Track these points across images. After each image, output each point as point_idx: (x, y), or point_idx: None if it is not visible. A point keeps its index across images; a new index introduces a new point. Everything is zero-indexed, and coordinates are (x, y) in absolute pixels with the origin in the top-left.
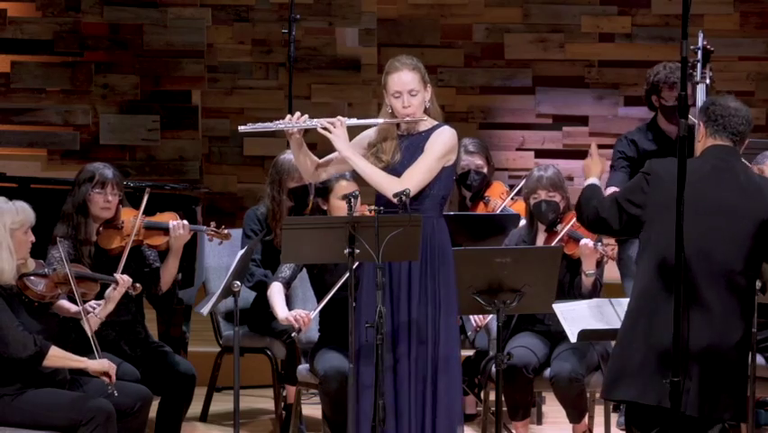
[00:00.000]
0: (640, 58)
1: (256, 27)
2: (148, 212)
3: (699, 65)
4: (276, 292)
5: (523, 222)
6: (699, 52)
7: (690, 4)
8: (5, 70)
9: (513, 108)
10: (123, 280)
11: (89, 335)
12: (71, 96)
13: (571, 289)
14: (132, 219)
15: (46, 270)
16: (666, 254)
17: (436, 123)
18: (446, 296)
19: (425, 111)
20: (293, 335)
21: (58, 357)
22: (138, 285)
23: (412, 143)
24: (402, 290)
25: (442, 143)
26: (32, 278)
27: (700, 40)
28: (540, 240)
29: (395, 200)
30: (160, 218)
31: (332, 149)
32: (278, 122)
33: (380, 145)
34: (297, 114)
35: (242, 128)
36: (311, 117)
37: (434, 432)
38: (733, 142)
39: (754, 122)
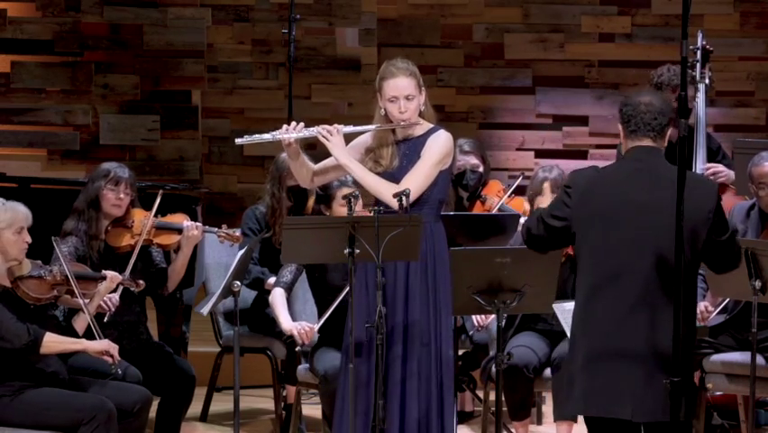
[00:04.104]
0: (640, 58)
1: (256, 27)
2: (157, 214)
3: (698, 65)
4: (278, 299)
5: (522, 220)
6: (699, 52)
7: (690, 4)
8: (5, 70)
9: (513, 108)
10: (111, 276)
11: (89, 321)
12: (71, 96)
13: (572, 289)
14: (144, 219)
15: (42, 272)
16: (604, 266)
17: (431, 126)
18: (445, 299)
19: (420, 114)
20: (297, 349)
21: (54, 342)
22: (141, 282)
23: (409, 149)
24: (399, 291)
25: (438, 149)
26: (26, 280)
27: (699, 39)
28: None
29: (394, 202)
30: (172, 219)
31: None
32: (275, 132)
33: (378, 151)
34: (294, 123)
35: (238, 141)
36: (310, 119)
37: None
38: (652, 138)
39: (672, 110)
